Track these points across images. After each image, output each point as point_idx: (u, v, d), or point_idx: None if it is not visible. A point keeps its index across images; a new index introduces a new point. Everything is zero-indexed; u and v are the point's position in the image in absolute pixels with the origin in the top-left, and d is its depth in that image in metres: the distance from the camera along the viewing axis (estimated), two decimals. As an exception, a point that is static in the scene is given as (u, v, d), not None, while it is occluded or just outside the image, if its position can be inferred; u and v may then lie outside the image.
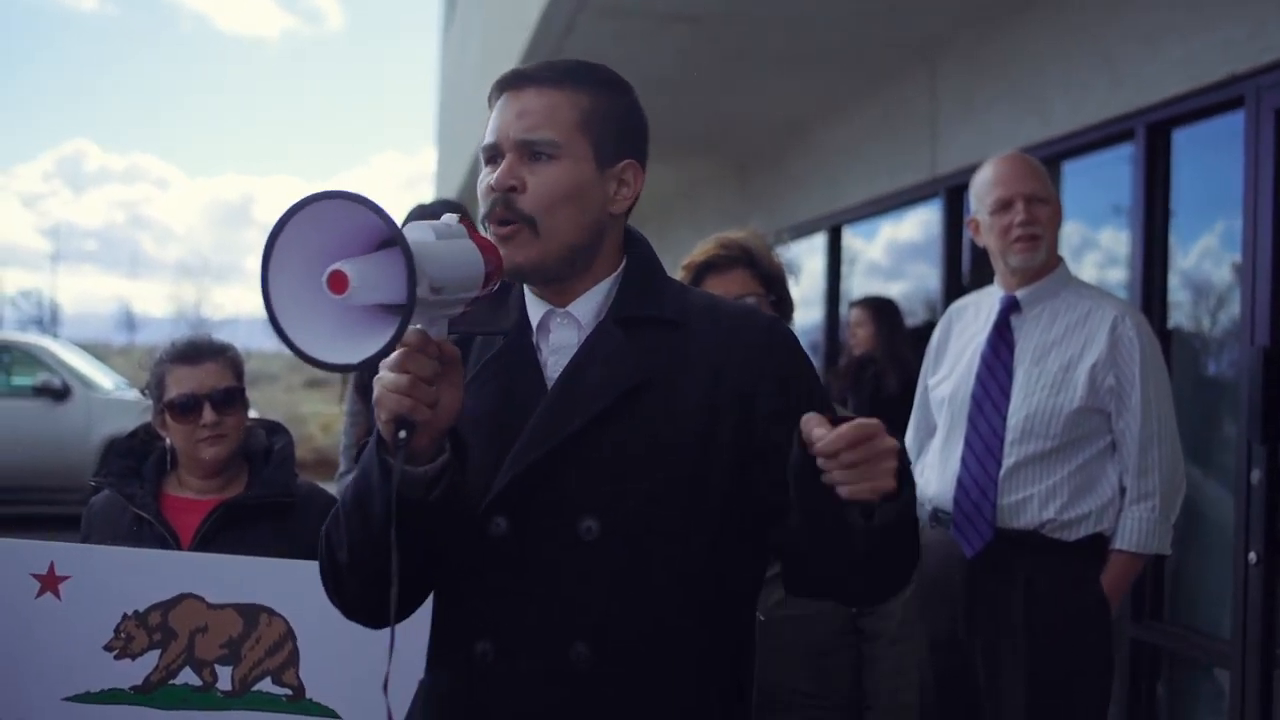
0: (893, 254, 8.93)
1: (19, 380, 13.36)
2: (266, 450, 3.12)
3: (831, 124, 8.84)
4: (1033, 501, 3.37)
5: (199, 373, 2.98)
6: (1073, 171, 6.13)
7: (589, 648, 1.77)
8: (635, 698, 1.79)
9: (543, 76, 1.86)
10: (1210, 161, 5.14)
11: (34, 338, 15.57)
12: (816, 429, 1.58)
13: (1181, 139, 5.25)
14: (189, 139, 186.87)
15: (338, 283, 1.49)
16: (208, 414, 2.95)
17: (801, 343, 1.99)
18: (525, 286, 1.94)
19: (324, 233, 1.51)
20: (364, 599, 1.83)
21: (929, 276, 7.83)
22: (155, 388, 3.03)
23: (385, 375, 1.64)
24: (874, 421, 1.58)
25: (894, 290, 8.25)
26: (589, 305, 1.89)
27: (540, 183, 1.82)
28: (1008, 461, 3.40)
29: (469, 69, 13.62)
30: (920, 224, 8.16)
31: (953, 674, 3.44)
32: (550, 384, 1.86)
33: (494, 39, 10.39)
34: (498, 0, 10.03)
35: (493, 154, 1.87)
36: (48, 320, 44.78)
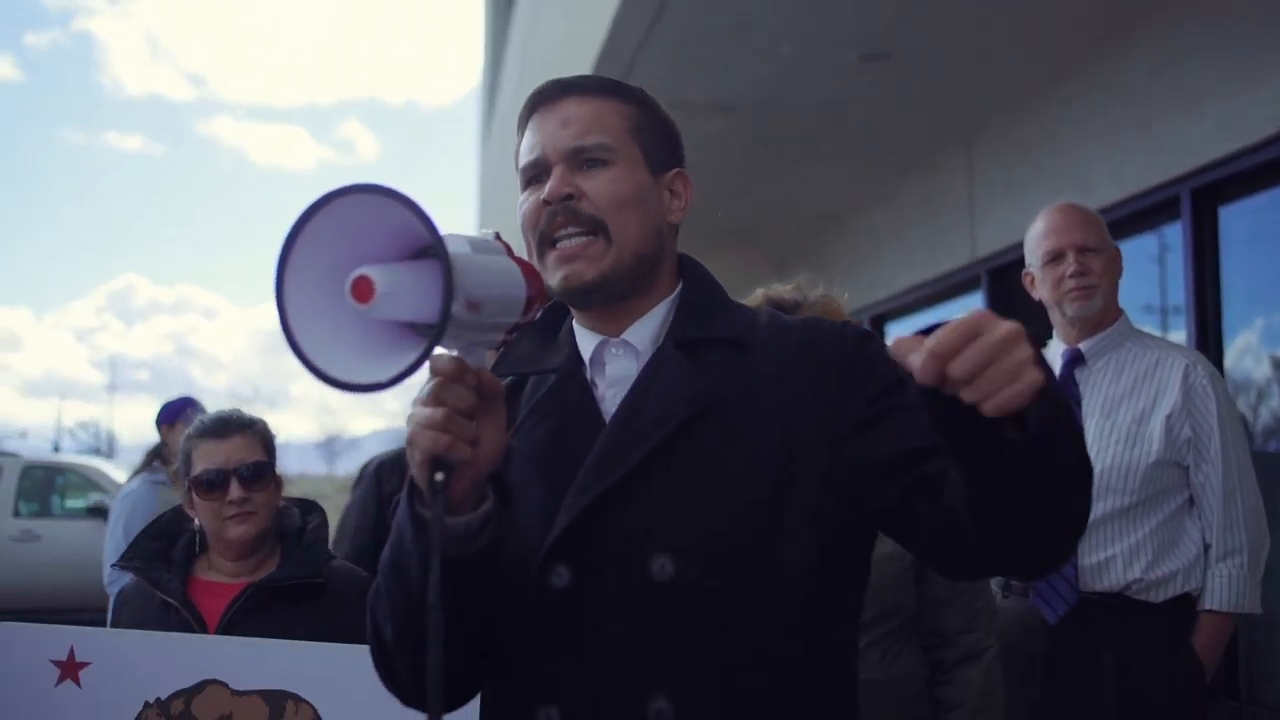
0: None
1: (72, 503, 13.39)
2: (300, 530, 2.94)
3: (869, 211, 8.74)
4: (1116, 562, 3.19)
5: (226, 447, 2.84)
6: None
7: (671, 703, 1.54)
8: None
9: (583, 85, 1.72)
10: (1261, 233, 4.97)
11: (88, 460, 15.60)
12: (910, 354, 1.27)
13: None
14: (233, 269, 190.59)
15: (363, 290, 1.27)
16: (234, 490, 2.80)
17: None
18: (574, 320, 1.75)
19: (352, 236, 1.29)
20: (419, 679, 1.59)
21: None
22: (183, 465, 2.88)
23: (419, 411, 1.41)
24: (978, 311, 1.28)
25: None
26: (645, 331, 1.70)
27: (600, 185, 1.65)
28: None
29: (506, 179, 13.66)
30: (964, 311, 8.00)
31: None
32: (609, 419, 1.65)
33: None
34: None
35: (535, 172, 1.69)
36: (105, 449, 45.22)
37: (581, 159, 1.66)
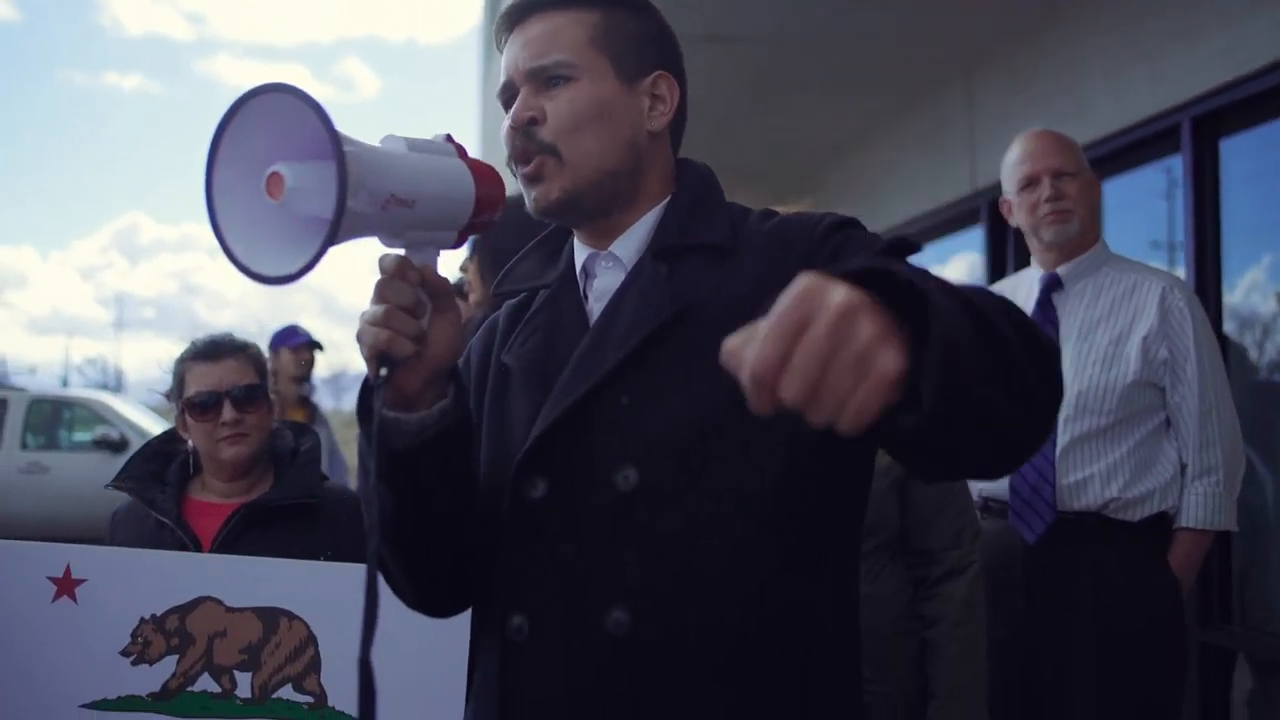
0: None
1: (79, 435, 13.47)
2: (293, 452, 2.96)
3: (870, 145, 8.69)
4: (1094, 481, 3.21)
5: (219, 369, 2.84)
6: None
7: (628, 614, 1.52)
8: (681, 669, 1.52)
9: (546, 3, 1.69)
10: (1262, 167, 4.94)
11: (93, 394, 15.63)
12: (732, 347, 1.05)
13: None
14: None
15: (275, 186, 1.31)
16: (228, 411, 2.81)
17: None
18: (575, 235, 1.75)
19: (275, 136, 1.32)
20: (411, 581, 1.68)
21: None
22: (176, 388, 2.89)
23: (366, 309, 1.45)
24: (803, 285, 1.01)
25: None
26: (631, 242, 1.68)
27: (558, 106, 1.62)
28: (1062, 440, 3.24)
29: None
30: (964, 256, 7.96)
31: (1018, 663, 3.25)
32: None
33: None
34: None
35: (506, 97, 1.70)
36: (113, 384, 45.32)
37: (543, 78, 1.64)
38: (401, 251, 1.46)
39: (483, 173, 1.52)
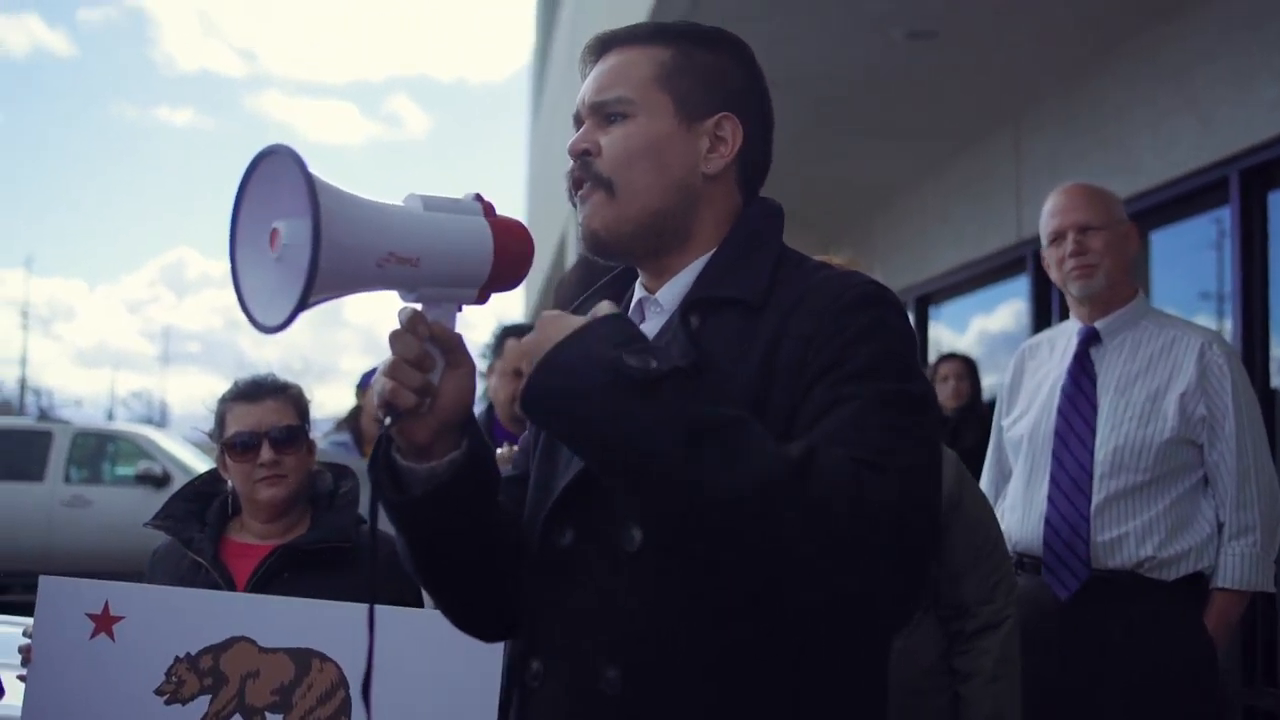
0: (984, 343, 8.69)
1: (122, 469, 13.52)
2: (331, 494, 2.98)
3: (916, 190, 8.69)
4: (1129, 539, 3.17)
5: (258, 410, 2.86)
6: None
7: (619, 674, 1.53)
8: None
9: (624, 37, 1.71)
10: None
11: (137, 428, 15.76)
12: None
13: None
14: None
15: (275, 239, 1.38)
16: (265, 452, 2.82)
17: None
18: (639, 275, 1.75)
19: (284, 194, 1.38)
20: (445, 608, 1.76)
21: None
22: (218, 428, 2.92)
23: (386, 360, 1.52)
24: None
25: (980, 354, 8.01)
26: (676, 289, 1.66)
27: (613, 140, 1.65)
28: (1098, 497, 3.21)
29: (555, 155, 13.69)
30: (1009, 305, 7.94)
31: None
32: None
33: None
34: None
35: (578, 126, 1.73)
36: (157, 419, 45.68)
37: (604, 113, 1.66)
38: (418, 306, 1.51)
39: (507, 230, 1.55)
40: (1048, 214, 3.47)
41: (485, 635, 1.80)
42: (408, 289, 1.50)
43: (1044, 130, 6.89)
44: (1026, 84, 6.65)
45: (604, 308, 1.49)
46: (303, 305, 1.34)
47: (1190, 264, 5.78)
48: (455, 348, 1.53)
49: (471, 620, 1.77)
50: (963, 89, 6.74)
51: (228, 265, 1.43)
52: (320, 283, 1.33)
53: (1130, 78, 5.93)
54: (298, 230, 1.35)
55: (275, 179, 1.39)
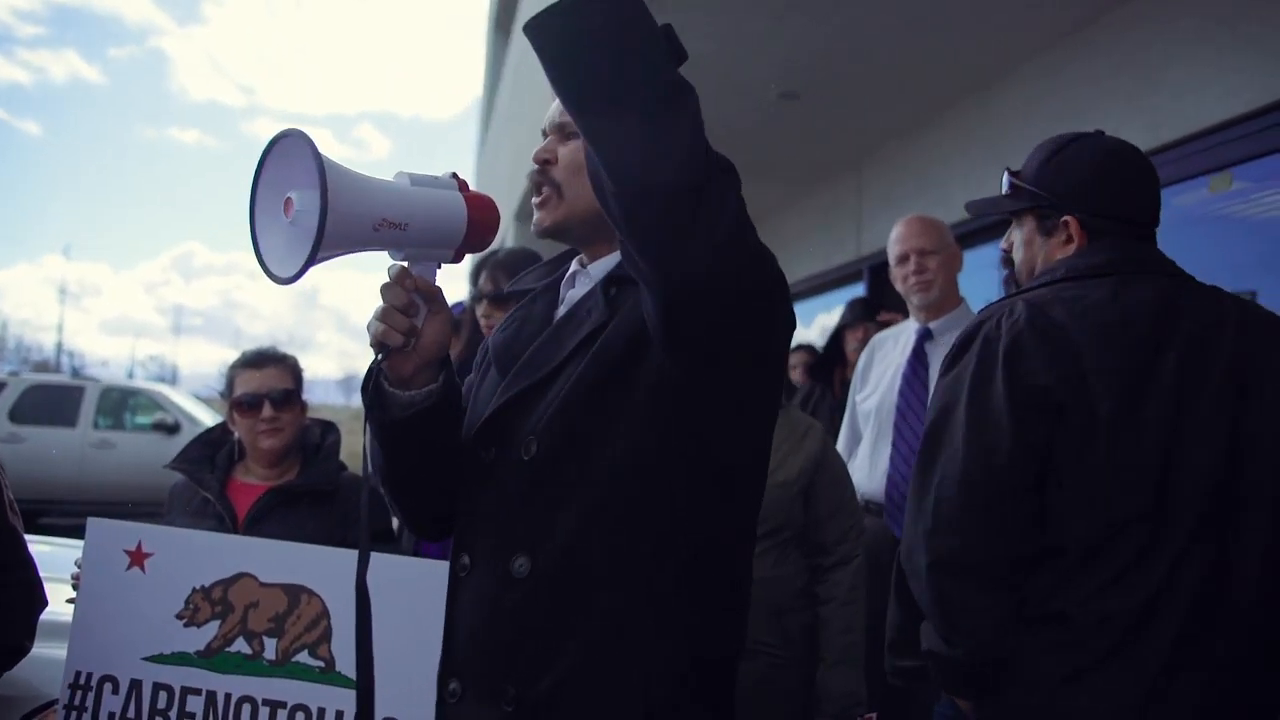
0: (828, 336, 8.72)
1: (141, 419, 13.16)
2: (318, 445, 2.88)
3: (780, 218, 8.71)
4: None
5: (261, 375, 2.80)
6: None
7: (528, 560, 1.49)
8: (564, 604, 1.47)
9: None
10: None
11: (153, 385, 15.28)
12: None
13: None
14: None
15: (289, 207, 1.35)
16: (267, 410, 2.76)
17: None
18: (579, 255, 1.71)
19: (298, 169, 1.35)
20: (402, 512, 1.71)
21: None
22: (227, 388, 2.84)
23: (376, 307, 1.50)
24: None
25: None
26: (605, 265, 1.64)
27: (566, 154, 1.62)
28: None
29: (498, 183, 13.50)
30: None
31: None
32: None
33: (525, 151, 10.26)
34: (532, 116, 9.91)
35: (544, 138, 1.69)
36: (169, 378, 44.52)
37: (565, 131, 1.63)
38: (404, 263, 1.50)
39: (478, 202, 1.53)
40: (895, 239, 3.46)
41: (432, 535, 1.75)
42: (397, 249, 1.49)
43: (882, 172, 6.93)
44: (869, 135, 6.68)
45: None
46: (311, 260, 1.32)
47: (990, 278, 5.86)
48: (436, 298, 1.53)
49: (424, 521, 1.72)
50: (818, 138, 6.75)
51: (248, 246, 1.39)
52: (326, 242, 1.31)
53: (953, 134, 5.98)
54: (309, 199, 1.32)
55: (289, 157, 1.36)
